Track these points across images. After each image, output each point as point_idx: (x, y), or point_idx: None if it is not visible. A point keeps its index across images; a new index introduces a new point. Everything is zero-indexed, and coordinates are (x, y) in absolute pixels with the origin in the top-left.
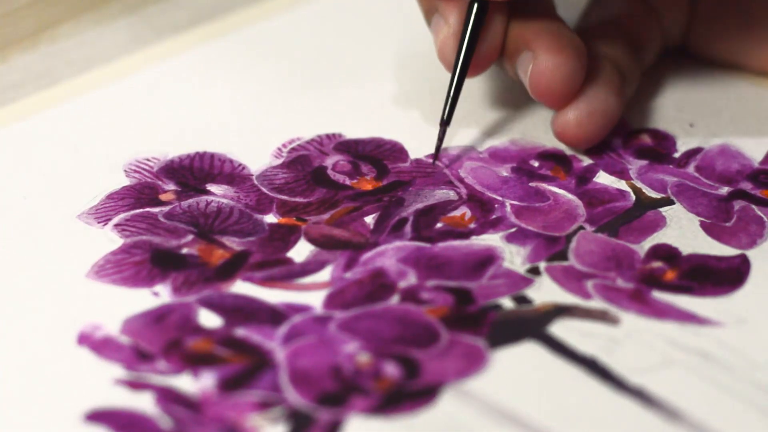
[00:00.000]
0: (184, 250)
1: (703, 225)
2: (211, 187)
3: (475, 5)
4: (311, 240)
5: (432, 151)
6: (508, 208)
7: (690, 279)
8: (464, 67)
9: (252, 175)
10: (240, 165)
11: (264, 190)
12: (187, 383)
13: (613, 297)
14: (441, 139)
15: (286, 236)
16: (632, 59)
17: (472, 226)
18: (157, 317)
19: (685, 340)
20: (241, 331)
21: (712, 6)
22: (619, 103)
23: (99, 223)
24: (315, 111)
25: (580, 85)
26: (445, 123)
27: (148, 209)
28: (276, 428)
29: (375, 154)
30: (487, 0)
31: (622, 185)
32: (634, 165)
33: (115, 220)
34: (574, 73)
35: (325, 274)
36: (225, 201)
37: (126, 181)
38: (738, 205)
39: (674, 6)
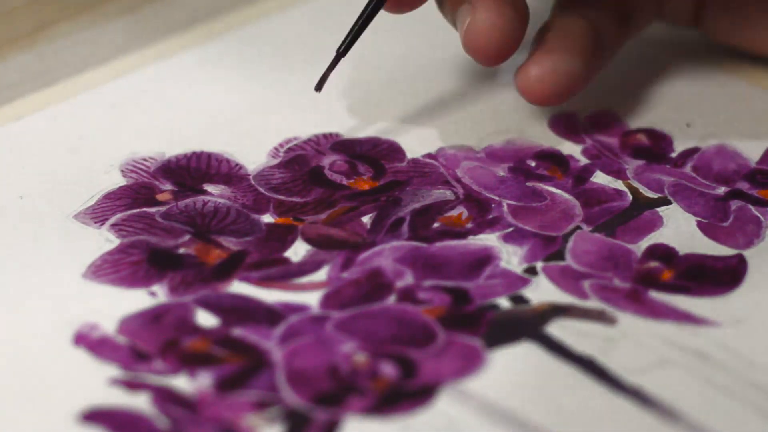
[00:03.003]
0: (181, 250)
1: (700, 225)
2: (208, 187)
3: None
4: (308, 240)
5: (428, 150)
6: (505, 208)
7: (687, 279)
8: None
9: (249, 175)
10: (237, 165)
11: (261, 190)
12: (183, 383)
13: (610, 297)
14: (331, 68)
15: (283, 236)
16: (616, 25)
17: (469, 225)
18: (154, 317)
19: (682, 340)
20: (238, 331)
21: None
22: (587, 66)
23: (96, 223)
24: (312, 111)
25: (518, 46)
26: (340, 53)
27: (145, 209)
28: (273, 428)
29: (372, 154)
30: None
31: (619, 185)
32: (631, 165)
33: (112, 220)
34: (511, 32)
35: (322, 274)
36: (222, 201)
37: (123, 181)
38: (735, 205)
39: None
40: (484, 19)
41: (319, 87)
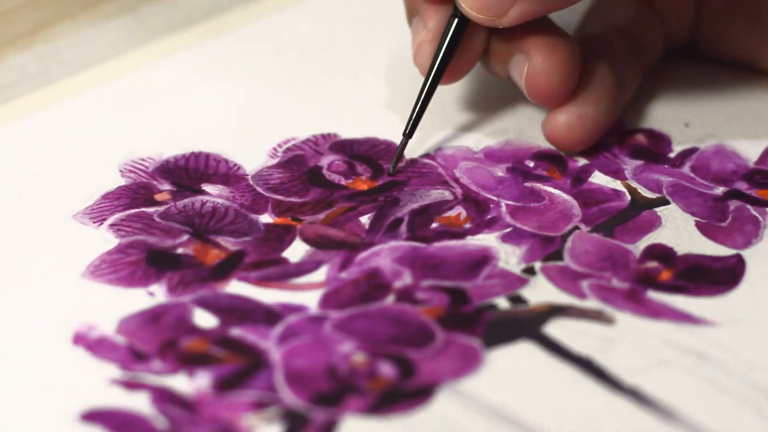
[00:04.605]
0: (180, 250)
1: (698, 225)
2: (207, 187)
3: (455, 20)
4: (306, 240)
5: (426, 150)
6: (504, 208)
7: (685, 279)
8: (436, 78)
9: (247, 175)
10: (235, 165)
11: (259, 190)
12: (182, 383)
13: (609, 297)
14: (401, 151)
15: (281, 236)
16: (631, 63)
17: (468, 226)
18: (152, 317)
19: (681, 340)
20: (236, 331)
21: (718, 6)
22: (612, 108)
23: (94, 223)
24: (310, 111)
25: (575, 85)
26: (407, 135)
27: (143, 209)
28: (271, 428)
29: (370, 154)
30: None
31: (618, 185)
32: (630, 165)
33: (111, 220)
34: (569, 73)
35: (320, 274)
36: (220, 201)
37: (121, 181)
38: (733, 205)
39: (678, 7)
40: (542, 62)
41: (393, 171)
